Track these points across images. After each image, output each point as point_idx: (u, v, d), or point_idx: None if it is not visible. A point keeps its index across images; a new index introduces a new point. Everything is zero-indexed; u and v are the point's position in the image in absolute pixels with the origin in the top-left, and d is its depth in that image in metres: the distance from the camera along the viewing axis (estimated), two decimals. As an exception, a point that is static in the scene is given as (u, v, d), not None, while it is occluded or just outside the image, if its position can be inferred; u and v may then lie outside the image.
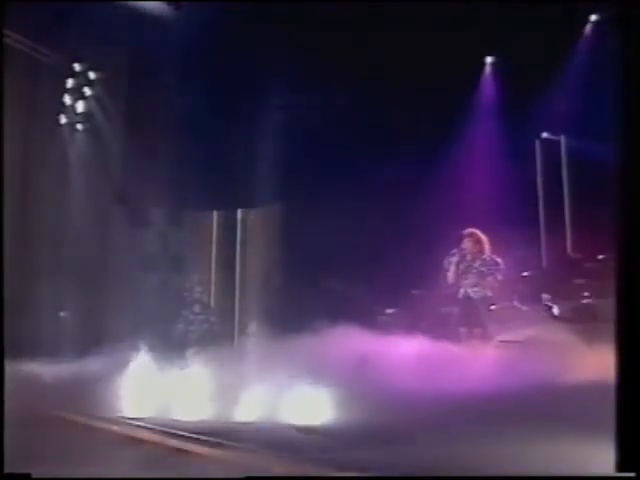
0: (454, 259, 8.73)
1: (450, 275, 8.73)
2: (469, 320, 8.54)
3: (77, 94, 11.06)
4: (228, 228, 11.98)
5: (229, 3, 10.13)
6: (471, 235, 8.79)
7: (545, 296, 9.26)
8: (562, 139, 10.72)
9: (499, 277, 8.64)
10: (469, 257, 8.72)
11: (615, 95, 4.11)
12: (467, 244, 8.77)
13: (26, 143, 10.03)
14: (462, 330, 8.53)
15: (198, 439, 4.77)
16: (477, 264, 8.71)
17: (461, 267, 8.74)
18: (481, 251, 8.73)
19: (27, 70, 10.46)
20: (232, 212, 12.00)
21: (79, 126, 11.09)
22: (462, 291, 8.70)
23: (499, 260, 8.68)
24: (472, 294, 8.66)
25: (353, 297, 9.35)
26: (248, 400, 6.01)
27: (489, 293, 8.65)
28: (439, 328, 8.75)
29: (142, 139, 9.85)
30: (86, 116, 11.04)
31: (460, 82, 10.24)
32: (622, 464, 3.87)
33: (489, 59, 11.09)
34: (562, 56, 10.17)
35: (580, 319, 8.45)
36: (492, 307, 8.78)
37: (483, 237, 8.78)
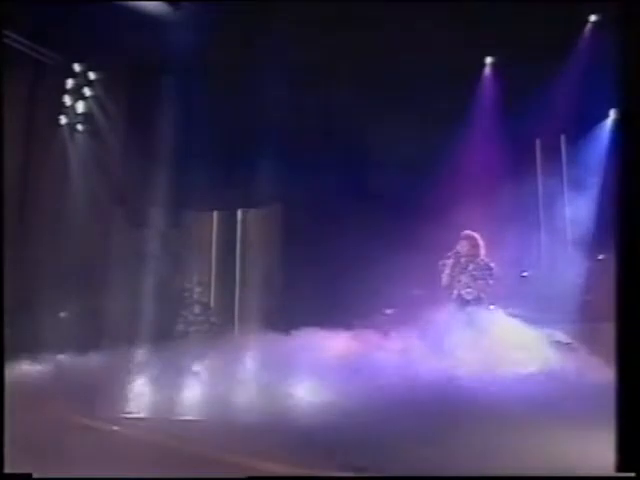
0: (449, 261, 8.78)
1: (444, 277, 8.78)
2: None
3: (77, 94, 11.06)
4: (228, 228, 11.98)
5: (229, 3, 10.15)
6: (467, 238, 8.82)
7: None
8: (562, 139, 10.71)
9: (490, 282, 8.69)
10: (463, 260, 8.76)
11: (615, 95, 4.11)
12: (463, 247, 8.80)
13: (26, 143, 10.04)
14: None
15: (198, 439, 4.78)
16: (470, 267, 8.76)
17: (456, 269, 8.78)
18: (476, 254, 8.77)
19: (27, 70, 10.47)
20: (232, 212, 12.00)
21: (79, 126, 11.09)
22: (455, 292, 8.75)
23: (492, 265, 8.74)
24: (465, 295, 8.70)
25: (353, 297, 9.36)
26: (248, 400, 6.00)
27: (482, 295, 8.69)
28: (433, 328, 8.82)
29: (142, 139, 9.85)
30: (86, 116, 11.04)
31: (460, 82, 10.25)
32: (622, 464, 3.87)
33: (489, 59, 11.08)
34: (562, 56, 10.17)
35: (580, 319, 8.46)
36: (491, 307, 8.81)
37: (479, 241, 8.82)
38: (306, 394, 5.88)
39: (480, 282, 8.68)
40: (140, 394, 6.30)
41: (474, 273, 8.73)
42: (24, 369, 8.13)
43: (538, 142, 10.92)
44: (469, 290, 8.70)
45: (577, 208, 9.99)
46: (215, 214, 12.00)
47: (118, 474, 4.43)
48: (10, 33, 9.47)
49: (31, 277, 9.29)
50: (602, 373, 4.49)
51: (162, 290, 9.13)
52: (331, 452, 4.59)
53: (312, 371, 6.19)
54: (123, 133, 10.37)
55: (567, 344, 7.82)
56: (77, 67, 10.99)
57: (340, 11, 9.84)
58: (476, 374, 7.28)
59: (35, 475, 4.08)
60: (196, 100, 10.47)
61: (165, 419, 5.71)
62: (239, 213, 11.95)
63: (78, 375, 7.35)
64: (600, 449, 4.04)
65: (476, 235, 8.84)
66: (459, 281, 8.76)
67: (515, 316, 8.45)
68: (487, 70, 11.10)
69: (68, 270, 9.32)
